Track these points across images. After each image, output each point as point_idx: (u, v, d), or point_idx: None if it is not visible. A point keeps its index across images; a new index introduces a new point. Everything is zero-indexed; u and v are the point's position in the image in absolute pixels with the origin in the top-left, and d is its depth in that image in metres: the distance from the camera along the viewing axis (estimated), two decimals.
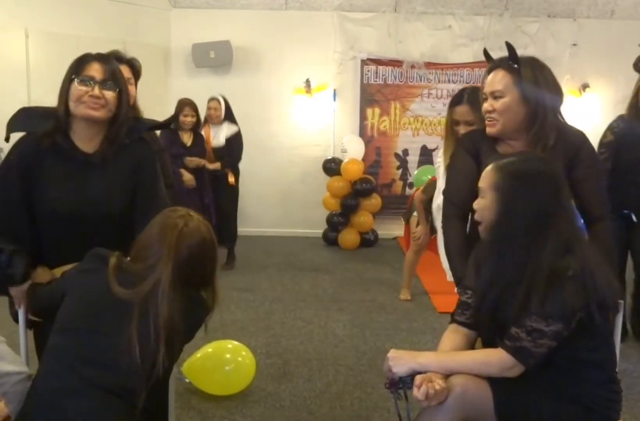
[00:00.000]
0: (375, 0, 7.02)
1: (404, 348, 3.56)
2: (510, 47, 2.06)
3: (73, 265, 1.89)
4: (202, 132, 5.49)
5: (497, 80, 2.05)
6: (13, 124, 2.02)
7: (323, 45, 7.12)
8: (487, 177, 1.80)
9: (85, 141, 2.01)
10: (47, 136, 1.96)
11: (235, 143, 5.54)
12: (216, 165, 5.45)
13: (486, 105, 2.08)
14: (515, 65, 2.03)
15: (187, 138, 5.31)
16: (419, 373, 1.72)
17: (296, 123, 7.32)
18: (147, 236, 1.76)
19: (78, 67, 1.97)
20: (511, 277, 1.70)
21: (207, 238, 1.78)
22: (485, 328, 1.81)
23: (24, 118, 2.05)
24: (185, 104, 5.26)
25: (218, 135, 5.52)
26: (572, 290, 1.61)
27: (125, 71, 2.62)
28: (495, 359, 1.68)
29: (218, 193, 5.55)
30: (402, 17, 7.09)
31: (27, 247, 1.97)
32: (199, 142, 5.37)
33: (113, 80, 1.98)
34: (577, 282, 1.62)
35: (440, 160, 2.95)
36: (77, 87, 1.94)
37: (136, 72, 2.82)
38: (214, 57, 6.96)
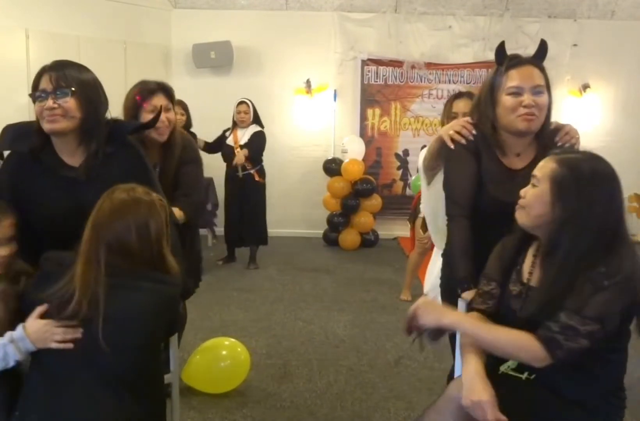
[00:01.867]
0: (376, 1, 7.02)
1: (405, 348, 3.57)
2: (544, 43, 2.05)
3: None
4: (230, 135, 5.61)
5: (536, 74, 2.00)
6: (0, 143, 1.98)
7: (323, 46, 7.12)
8: (545, 166, 1.72)
9: (69, 155, 1.95)
10: (32, 154, 1.92)
11: (256, 139, 5.59)
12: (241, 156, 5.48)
13: (527, 101, 1.98)
14: (541, 64, 2.04)
15: None
16: (442, 330, 1.70)
17: (296, 124, 7.33)
18: (90, 216, 1.72)
19: (34, 83, 1.89)
20: (569, 281, 1.64)
21: (144, 213, 1.70)
22: (518, 328, 1.77)
23: (9, 136, 1.98)
24: (174, 103, 5.27)
25: (244, 137, 5.60)
26: (618, 294, 1.58)
27: (161, 99, 2.65)
28: (528, 345, 1.62)
29: (245, 195, 5.66)
30: (403, 18, 7.09)
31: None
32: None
33: (65, 86, 1.85)
34: (624, 286, 1.58)
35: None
36: (36, 105, 1.87)
37: (171, 97, 2.78)
38: (215, 57, 6.97)
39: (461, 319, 1.73)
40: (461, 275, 2.01)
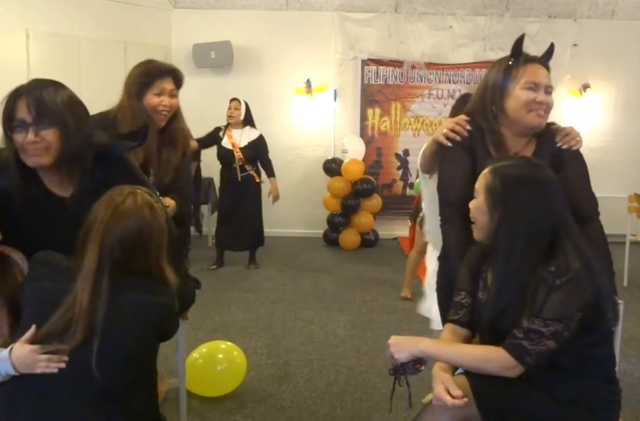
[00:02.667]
0: (376, 1, 7.02)
1: None
2: (552, 48, 2.10)
3: None
4: (224, 136, 5.52)
5: (547, 75, 2.04)
6: None
7: (324, 46, 7.12)
8: (482, 178, 1.79)
9: (57, 186, 1.82)
10: (18, 189, 1.76)
11: (261, 147, 5.58)
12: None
13: (541, 97, 1.99)
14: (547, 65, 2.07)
15: None
16: (420, 358, 1.73)
17: (297, 124, 7.33)
18: (87, 220, 1.65)
19: (7, 108, 1.69)
20: (518, 284, 1.68)
21: (148, 219, 1.64)
22: (484, 334, 1.80)
23: None
24: None
25: (242, 140, 5.51)
26: (571, 291, 1.61)
27: (170, 83, 2.55)
28: (495, 356, 1.66)
29: (243, 197, 5.58)
30: (403, 18, 7.09)
31: None
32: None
33: (45, 114, 1.68)
34: (576, 283, 1.61)
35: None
36: (13, 135, 1.69)
37: (179, 82, 2.62)
38: (215, 57, 6.97)
39: (428, 346, 1.75)
40: (455, 276, 2.01)
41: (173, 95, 2.55)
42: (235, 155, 5.46)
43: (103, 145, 1.87)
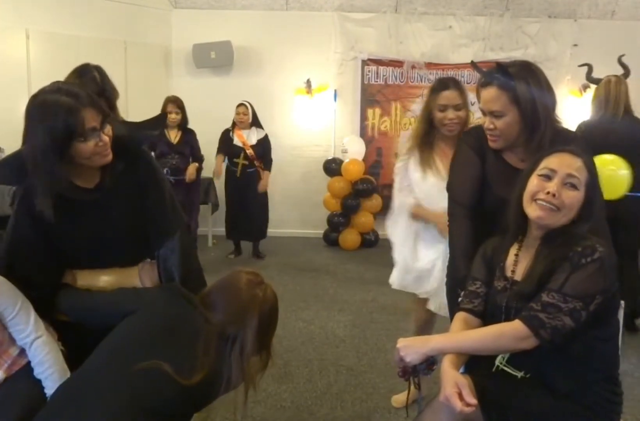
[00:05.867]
0: (376, 1, 7.02)
1: None
2: (500, 66, 1.98)
3: (93, 270, 1.96)
4: (235, 135, 5.87)
5: (493, 99, 1.98)
6: (6, 179, 1.96)
7: (324, 46, 7.12)
8: (580, 169, 1.75)
9: (85, 179, 1.89)
10: (42, 198, 1.75)
11: (266, 145, 5.97)
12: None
13: (487, 123, 2.02)
14: (509, 80, 1.96)
15: (173, 136, 5.54)
16: (432, 358, 1.72)
17: (297, 124, 7.32)
18: (217, 297, 1.76)
19: (70, 124, 1.68)
20: (548, 266, 1.70)
21: (276, 306, 1.88)
22: (500, 319, 1.79)
23: (7, 171, 1.87)
24: (169, 101, 5.50)
25: (250, 138, 5.90)
26: (595, 272, 1.61)
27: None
28: (508, 329, 1.65)
29: (247, 191, 5.92)
30: (403, 18, 7.09)
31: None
32: (188, 140, 5.52)
33: (105, 114, 1.78)
34: (601, 265, 1.62)
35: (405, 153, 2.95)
36: (83, 146, 1.74)
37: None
38: (215, 57, 6.97)
39: (438, 341, 1.75)
40: (461, 274, 2.01)
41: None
42: (247, 152, 5.82)
43: (123, 136, 1.89)
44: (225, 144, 5.89)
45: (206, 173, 6.09)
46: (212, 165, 5.94)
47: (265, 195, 6.11)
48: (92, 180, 1.89)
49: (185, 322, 1.66)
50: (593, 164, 1.79)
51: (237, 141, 5.87)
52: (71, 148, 1.72)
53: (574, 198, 1.70)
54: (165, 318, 1.67)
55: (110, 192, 1.88)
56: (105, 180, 1.89)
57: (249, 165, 5.89)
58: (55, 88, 1.73)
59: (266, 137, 5.96)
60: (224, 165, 5.95)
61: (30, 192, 1.78)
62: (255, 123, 5.94)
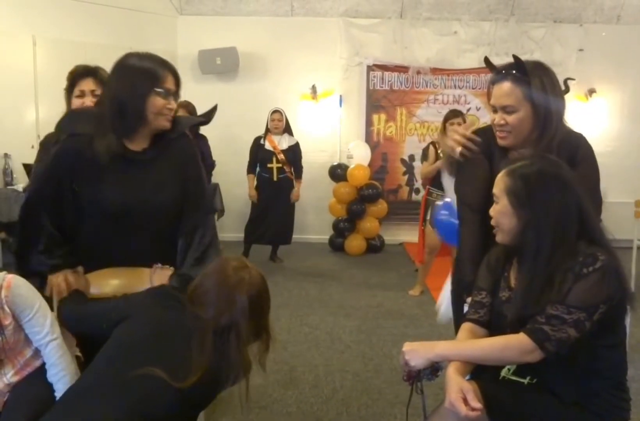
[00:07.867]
0: (381, 6, 7.04)
1: None
2: (517, 59, 2.01)
3: (106, 270, 1.99)
4: (266, 141, 6.05)
5: (507, 93, 1.99)
6: (63, 126, 2.07)
7: (329, 51, 7.14)
8: (499, 182, 1.77)
9: (136, 142, 2.02)
10: (101, 140, 1.95)
11: (298, 153, 6.15)
12: None
13: (497, 119, 2.02)
14: (523, 76, 1.97)
15: None
16: (437, 364, 1.71)
17: (302, 129, 7.31)
18: (207, 286, 1.74)
19: (156, 77, 1.95)
20: (545, 281, 1.67)
21: (265, 287, 1.79)
22: (506, 333, 1.78)
23: (73, 120, 2.08)
24: (181, 106, 5.43)
25: (281, 143, 6.09)
26: (598, 281, 1.60)
27: (90, 84, 2.48)
28: (514, 342, 1.64)
29: (280, 196, 6.06)
30: (408, 23, 7.10)
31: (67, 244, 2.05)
32: (198, 145, 5.45)
33: (177, 90, 2.01)
34: (603, 274, 1.60)
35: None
36: (159, 100, 1.94)
37: (100, 79, 2.49)
38: (220, 63, 6.99)
39: (444, 348, 1.74)
40: (467, 279, 2.01)
41: (95, 94, 2.46)
42: (278, 156, 6.00)
43: (178, 116, 2.12)
44: (257, 152, 6.05)
45: (212, 179, 6.08)
46: (218, 172, 5.94)
47: (293, 205, 6.22)
48: (140, 145, 2.03)
49: (176, 325, 1.67)
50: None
51: (268, 146, 6.04)
52: (149, 96, 1.92)
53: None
54: (156, 323, 1.68)
55: (154, 159, 2.03)
56: (153, 146, 2.03)
57: (281, 169, 6.04)
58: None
59: (297, 144, 6.12)
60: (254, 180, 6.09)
61: (82, 140, 1.97)
62: (288, 130, 6.12)
